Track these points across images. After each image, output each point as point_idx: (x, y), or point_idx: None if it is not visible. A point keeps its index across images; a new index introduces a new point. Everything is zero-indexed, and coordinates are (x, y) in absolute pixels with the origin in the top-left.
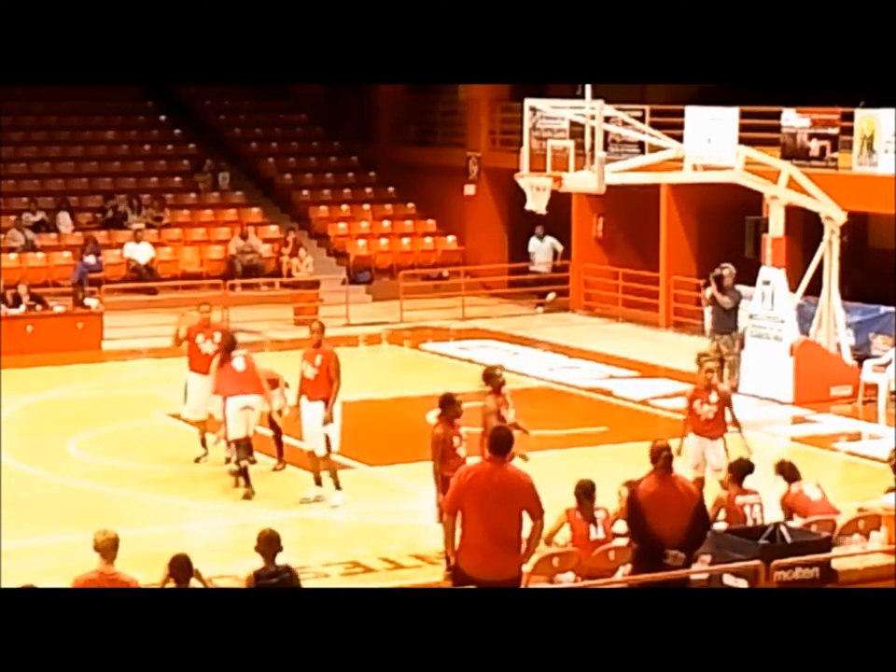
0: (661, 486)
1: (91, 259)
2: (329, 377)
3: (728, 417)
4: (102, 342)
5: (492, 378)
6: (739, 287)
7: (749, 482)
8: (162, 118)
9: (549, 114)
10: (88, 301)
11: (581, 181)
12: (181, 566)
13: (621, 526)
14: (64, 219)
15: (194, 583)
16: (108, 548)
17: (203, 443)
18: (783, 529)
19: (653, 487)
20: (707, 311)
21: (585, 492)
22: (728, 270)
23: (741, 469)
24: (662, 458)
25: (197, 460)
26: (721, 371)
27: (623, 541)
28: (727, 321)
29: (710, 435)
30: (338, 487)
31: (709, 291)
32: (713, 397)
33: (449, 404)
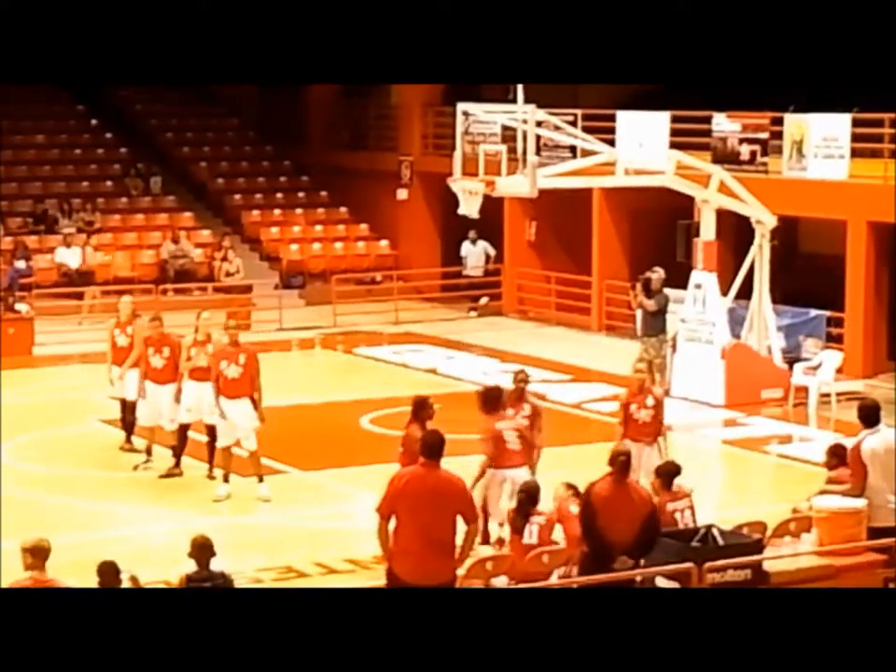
0: (615, 491)
1: (21, 264)
2: (251, 375)
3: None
4: (33, 347)
5: (515, 382)
6: (670, 291)
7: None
8: (94, 122)
9: (481, 118)
10: (18, 306)
11: (514, 185)
12: (107, 572)
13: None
14: None
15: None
16: (40, 556)
17: (149, 451)
18: (715, 532)
19: (607, 491)
20: (638, 314)
21: (529, 496)
22: (657, 274)
23: (669, 474)
24: (618, 463)
25: (136, 468)
26: (652, 374)
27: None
28: (655, 324)
29: (647, 440)
30: (261, 480)
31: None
32: (650, 401)
33: (422, 407)
